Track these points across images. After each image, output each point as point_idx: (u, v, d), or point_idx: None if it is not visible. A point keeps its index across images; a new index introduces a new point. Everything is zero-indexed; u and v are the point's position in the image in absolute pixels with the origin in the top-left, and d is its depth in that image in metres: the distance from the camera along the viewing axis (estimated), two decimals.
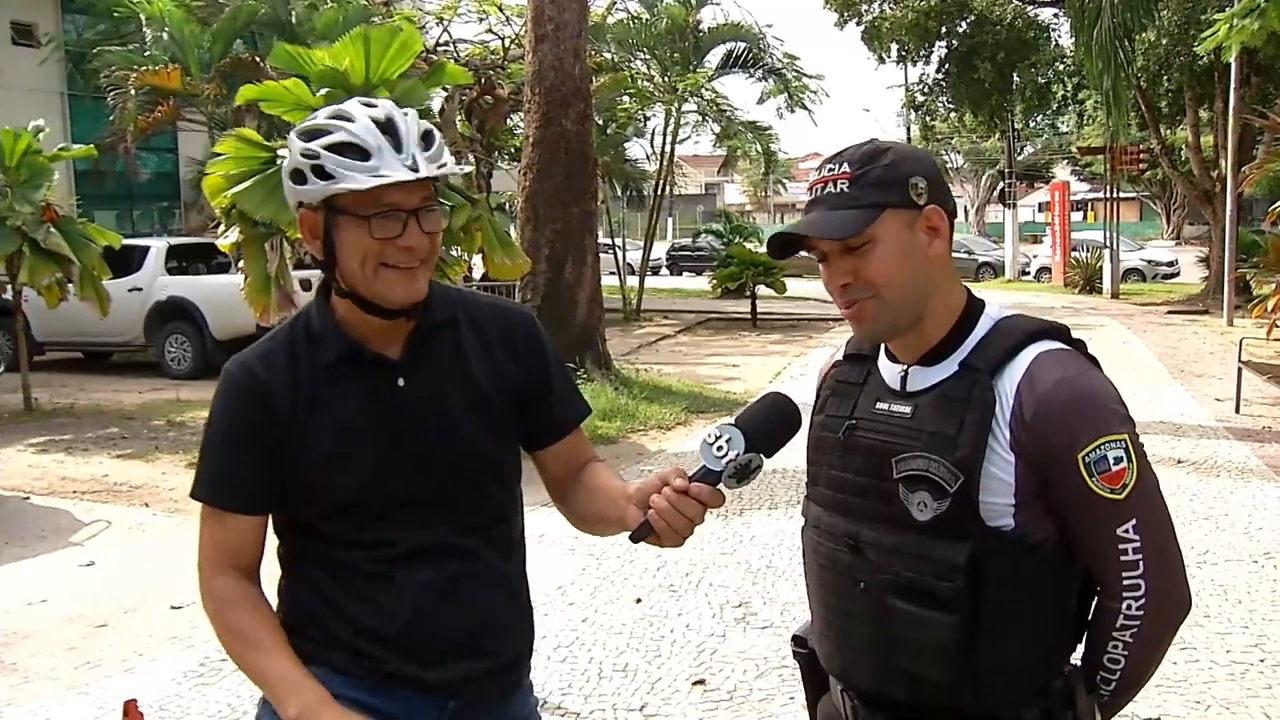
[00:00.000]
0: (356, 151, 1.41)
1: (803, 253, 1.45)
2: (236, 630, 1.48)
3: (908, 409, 1.40)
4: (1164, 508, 1.37)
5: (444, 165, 1.46)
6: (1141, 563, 1.33)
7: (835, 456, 1.47)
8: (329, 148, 1.42)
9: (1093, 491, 1.31)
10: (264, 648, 1.46)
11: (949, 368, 1.39)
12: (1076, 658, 1.44)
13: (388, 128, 1.44)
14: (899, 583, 1.37)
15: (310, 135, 1.44)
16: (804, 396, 1.54)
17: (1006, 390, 1.34)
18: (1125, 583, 1.33)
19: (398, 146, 1.42)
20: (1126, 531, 1.32)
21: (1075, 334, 1.45)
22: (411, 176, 1.41)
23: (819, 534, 1.51)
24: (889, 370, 1.46)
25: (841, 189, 1.37)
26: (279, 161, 6.16)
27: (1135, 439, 1.35)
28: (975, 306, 1.44)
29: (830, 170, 1.39)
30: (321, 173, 1.41)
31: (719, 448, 1.36)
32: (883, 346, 1.48)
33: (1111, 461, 1.31)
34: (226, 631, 1.49)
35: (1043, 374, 1.34)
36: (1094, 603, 1.40)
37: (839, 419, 1.48)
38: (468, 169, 2.03)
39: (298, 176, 1.44)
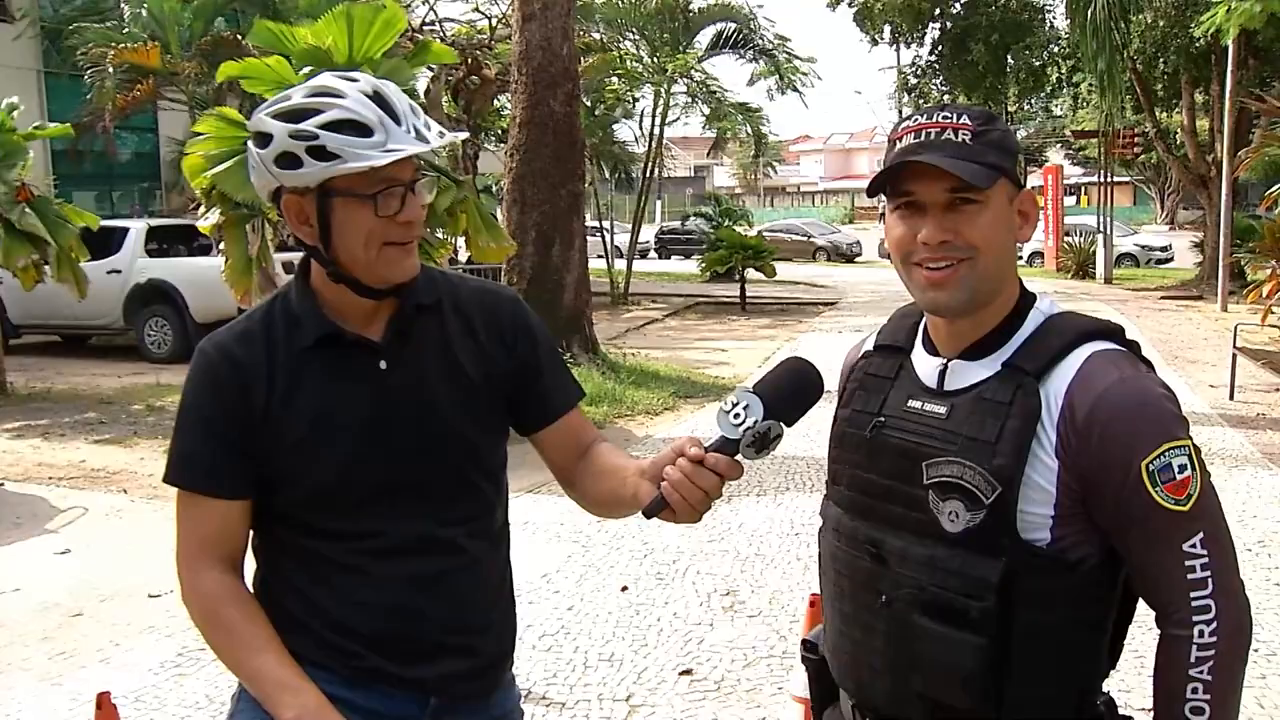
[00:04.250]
0: (357, 128, 1.35)
1: (880, 197, 1.33)
2: (225, 628, 1.41)
3: (943, 409, 1.30)
4: (1225, 521, 1.25)
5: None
6: (1210, 580, 1.20)
7: (860, 455, 1.37)
8: (326, 126, 1.34)
9: (1155, 502, 1.20)
10: (256, 646, 1.39)
11: (992, 366, 1.30)
12: (1109, 685, 1.34)
13: (379, 100, 1.37)
14: (924, 598, 1.27)
15: (295, 116, 1.36)
16: None
17: (1055, 393, 1.24)
18: (1194, 604, 1.20)
19: (395, 118, 1.37)
20: (1194, 546, 1.21)
21: None
22: (424, 147, 1.37)
23: (838, 538, 1.40)
24: (925, 365, 1.36)
25: (964, 139, 1.27)
26: None
27: (1196, 446, 1.24)
28: (1027, 300, 1.34)
29: (947, 118, 1.29)
30: (322, 154, 1.34)
31: (736, 415, 1.27)
32: (920, 338, 1.39)
33: (1176, 469, 1.21)
34: (214, 629, 1.41)
35: (1098, 375, 1.24)
36: (1157, 642, 1.24)
37: (866, 415, 1.38)
38: (463, 135, 2.02)
39: (287, 160, 1.36)
